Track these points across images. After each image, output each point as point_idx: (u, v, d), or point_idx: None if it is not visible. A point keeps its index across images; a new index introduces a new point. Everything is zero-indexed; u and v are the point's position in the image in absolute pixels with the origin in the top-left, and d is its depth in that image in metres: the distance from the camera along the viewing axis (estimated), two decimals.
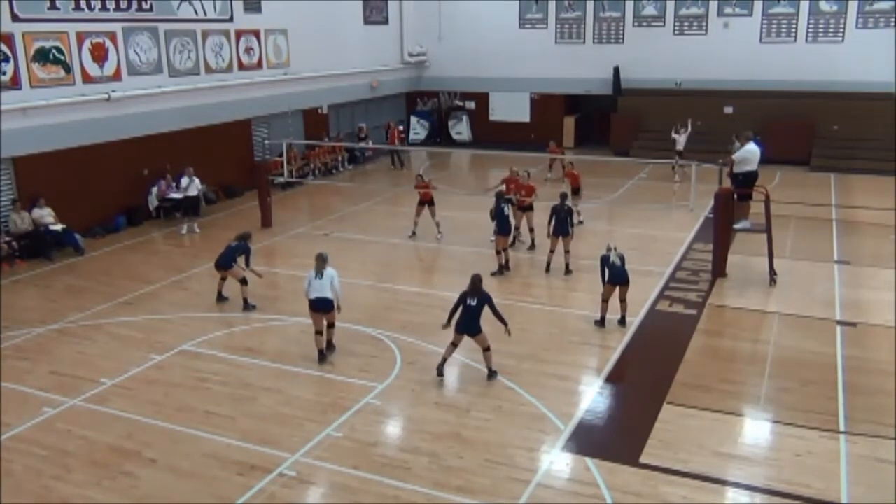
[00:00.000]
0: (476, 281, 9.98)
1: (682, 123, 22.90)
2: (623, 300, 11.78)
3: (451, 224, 17.09)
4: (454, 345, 10.07)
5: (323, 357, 10.63)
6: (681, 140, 22.42)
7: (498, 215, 14.29)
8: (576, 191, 17.40)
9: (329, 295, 10.38)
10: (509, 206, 14.85)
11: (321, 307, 10.43)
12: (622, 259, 11.71)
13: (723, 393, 9.61)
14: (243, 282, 12.73)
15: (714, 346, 11.27)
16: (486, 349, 10.03)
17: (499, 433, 8.71)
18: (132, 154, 18.14)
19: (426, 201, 16.68)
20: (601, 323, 11.76)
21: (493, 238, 15.20)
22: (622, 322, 11.81)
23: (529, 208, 15.67)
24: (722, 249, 13.93)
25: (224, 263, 12.77)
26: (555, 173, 22.28)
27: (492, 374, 10.07)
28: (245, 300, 12.71)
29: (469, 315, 9.84)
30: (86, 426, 9.00)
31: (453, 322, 9.95)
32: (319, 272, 10.43)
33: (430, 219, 16.65)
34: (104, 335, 11.77)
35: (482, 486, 7.71)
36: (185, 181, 18.26)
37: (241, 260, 12.80)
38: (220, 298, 13.10)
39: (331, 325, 10.80)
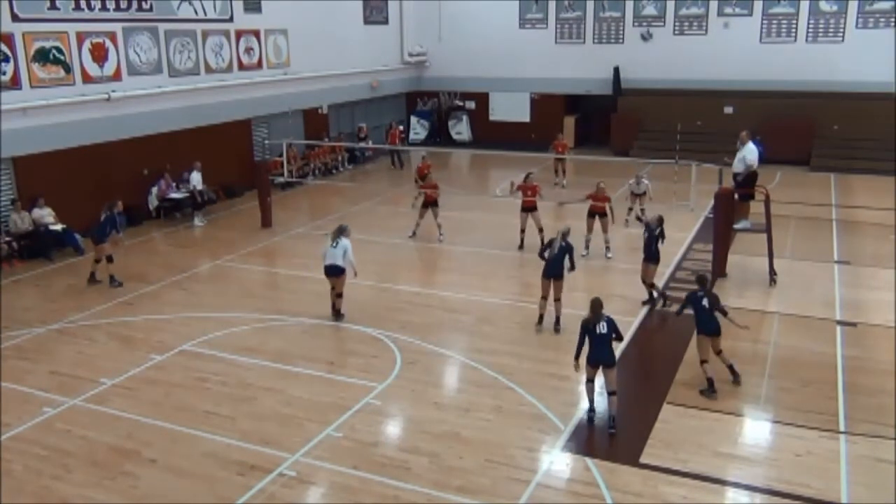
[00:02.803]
0: (596, 305, 8.88)
1: (639, 176, 17.37)
2: (557, 299, 11.40)
3: (451, 224, 17.07)
4: (591, 381, 8.93)
5: (336, 314, 12.00)
6: (642, 185, 17.12)
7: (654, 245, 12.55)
8: (434, 203, 16.51)
9: (339, 262, 11.62)
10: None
11: (331, 273, 11.77)
12: (566, 251, 11.30)
13: (723, 393, 9.59)
14: (109, 259, 13.64)
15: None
16: (613, 393, 8.83)
17: (499, 433, 8.71)
18: (132, 154, 18.13)
19: (430, 203, 16.64)
20: (539, 321, 11.59)
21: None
22: (556, 326, 11.47)
23: (534, 209, 15.65)
24: (722, 249, 13.93)
25: (99, 237, 13.55)
26: (562, 177, 21.81)
27: (611, 424, 8.79)
28: (111, 277, 13.67)
29: (602, 342, 8.74)
30: (86, 426, 9.00)
31: (582, 358, 8.87)
32: (334, 241, 11.69)
33: (433, 220, 16.63)
34: (104, 335, 11.77)
35: (482, 486, 7.71)
36: (195, 176, 18.40)
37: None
38: (93, 279, 13.84)
39: (339, 295, 11.91)
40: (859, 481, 7.70)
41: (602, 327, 8.76)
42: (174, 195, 18.59)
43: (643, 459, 8.14)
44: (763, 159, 14.98)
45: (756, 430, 8.93)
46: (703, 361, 9.62)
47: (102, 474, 8.02)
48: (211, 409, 9.37)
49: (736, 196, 14.22)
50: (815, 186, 21.73)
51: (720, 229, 13.91)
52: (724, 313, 9.72)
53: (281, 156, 21.38)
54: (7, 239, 15.30)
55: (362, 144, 25.67)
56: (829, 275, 14.07)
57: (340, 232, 11.77)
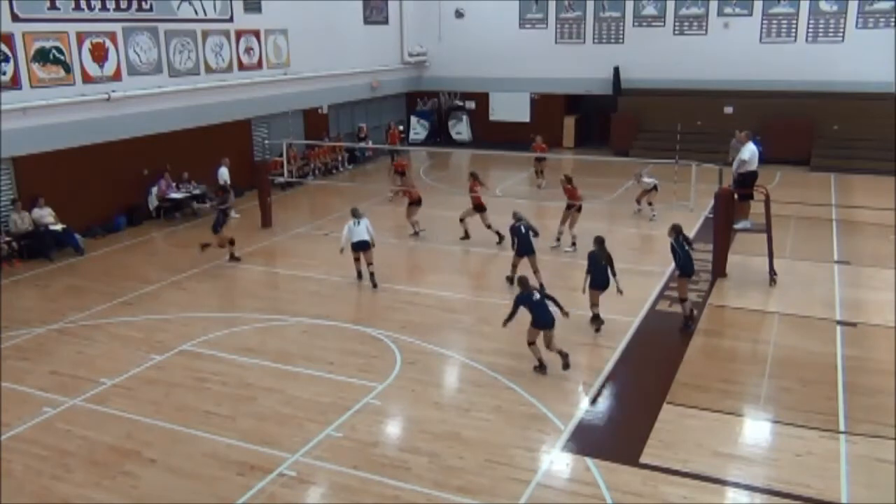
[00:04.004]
0: (522, 282, 10.31)
1: (639, 173, 18.49)
2: (536, 271, 12.92)
3: (451, 224, 17.07)
4: (533, 343, 10.23)
5: (360, 276, 13.86)
6: (646, 181, 18.11)
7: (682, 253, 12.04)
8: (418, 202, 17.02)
9: (366, 237, 13.49)
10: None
11: (362, 247, 13.56)
12: (528, 228, 12.90)
13: (723, 393, 9.60)
14: (231, 242, 15.38)
15: (714, 346, 11.27)
16: (550, 341, 10.22)
17: (499, 433, 8.71)
18: (132, 154, 18.13)
19: (413, 202, 16.89)
20: (510, 281, 13.02)
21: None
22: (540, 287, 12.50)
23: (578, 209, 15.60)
24: (722, 249, 13.94)
25: (217, 228, 15.22)
26: (545, 179, 21.58)
27: (565, 358, 10.18)
28: (232, 254, 15.38)
29: (541, 308, 10.05)
30: (86, 426, 9.00)
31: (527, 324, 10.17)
32: (357, 221, 13.54)
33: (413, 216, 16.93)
34: (104, 335, 11.77)
35: (482, 486, 7.71)
36: (223, 171, 18.68)
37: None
38: (233, 259, 15.37)
39: (369, 263, 13.63)
40: (859, 481, 7.71)
41: (535, 296, 10.06)
42: (174, 195, 18.58)
43: (643, 459, 8.13)
44: (763, 159, 14.96)
45: (756, 430, 8.93)
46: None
47: (102, 474, 8.03)
48: (211, 409, 9.37)
49: (735, 196, 14.22)
50: (815, 186, 21.73)
51: (720, 229, 13.92)
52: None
53: (281, 156, 21.36)
54: (7, 239, 15.31)
55: (362, 144, 25.67)
56: (829, 275, 14.07)
57: (357, 212, 13.67)
